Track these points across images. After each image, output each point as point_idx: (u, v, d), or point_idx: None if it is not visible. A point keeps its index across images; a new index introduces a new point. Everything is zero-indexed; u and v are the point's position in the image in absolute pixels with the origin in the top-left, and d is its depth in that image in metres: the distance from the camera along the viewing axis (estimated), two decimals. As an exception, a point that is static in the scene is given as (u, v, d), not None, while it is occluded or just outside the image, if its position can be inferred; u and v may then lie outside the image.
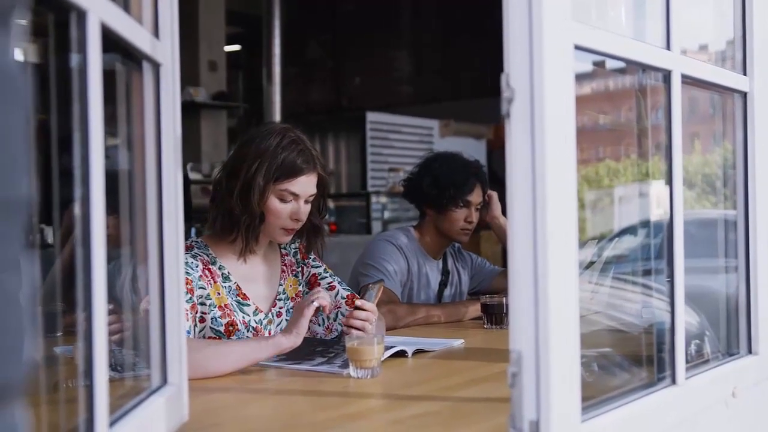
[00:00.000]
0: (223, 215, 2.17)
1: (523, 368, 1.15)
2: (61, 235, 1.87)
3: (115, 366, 1.33)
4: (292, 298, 2.32)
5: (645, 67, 1.52)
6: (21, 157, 0.58)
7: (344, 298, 2.31)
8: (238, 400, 1.71)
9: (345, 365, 1.89)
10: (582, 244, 1.27)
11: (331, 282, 2.36)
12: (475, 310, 2.78)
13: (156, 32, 1.32)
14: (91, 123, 0.98)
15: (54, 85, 1.04)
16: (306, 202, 2.20)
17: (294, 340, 1.92)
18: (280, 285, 2.31)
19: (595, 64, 1.45)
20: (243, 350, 1.92)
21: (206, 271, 2.13)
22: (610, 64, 1.53)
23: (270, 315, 2.25)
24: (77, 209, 0.98)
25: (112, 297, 1.07)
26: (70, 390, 1.34)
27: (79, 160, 0.98)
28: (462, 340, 2.33)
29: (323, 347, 2.09)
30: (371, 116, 7.87)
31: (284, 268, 2.34)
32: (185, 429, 1.38)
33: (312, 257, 2.39)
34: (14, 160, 0.57)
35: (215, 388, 1.77)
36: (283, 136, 2.16)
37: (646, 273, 1.93)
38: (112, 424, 1.05)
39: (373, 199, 7.25)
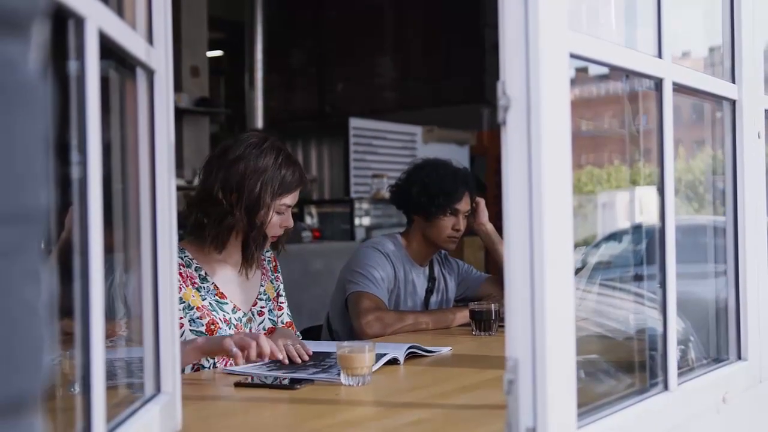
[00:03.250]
0: (226, 231, 2.21)
1: (519, 375, 1.15)
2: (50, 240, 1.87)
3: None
4: (273, 299, 2.41)
5: (637, 75, 1.53)
6: (41, 168, 0.57)
7: (283, 323, 2.39)
8: (230, 409, 1.71)
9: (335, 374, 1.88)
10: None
11: (283, 303, 2.46)
12: (463, 316, 2.78)
13: (150, 39, 1.31)
14: (89, 129, 0.97)
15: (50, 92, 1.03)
16: (292, 210, 2.32)
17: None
18: (261, 285, 2.38)
19: (578, 70, 1.45)
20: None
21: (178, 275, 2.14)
22: (593, 70, 1.53)
23: (250, 314, 2.32)
24: (75, 217, 0.97)
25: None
26: (59, 398, 1.33)
27: (76, 167, 0.98)
28: (450, 348, 2.33)
29: (315, 360, 2.08)
30: (354, 122, 7.86)
31: (264, 270, 2.41)
32: (178, 438, 1.37)
33: (278, 273, 2.48)
34: (35, 171, 0.57)
35: (208, 397, 1.76)
36: (277, 152, 2.25)
37: (633, 279, 1.94)
38: (108, 433, 1.04)
39: (357, 205, 7.23)
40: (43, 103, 0.58)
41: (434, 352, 2.25)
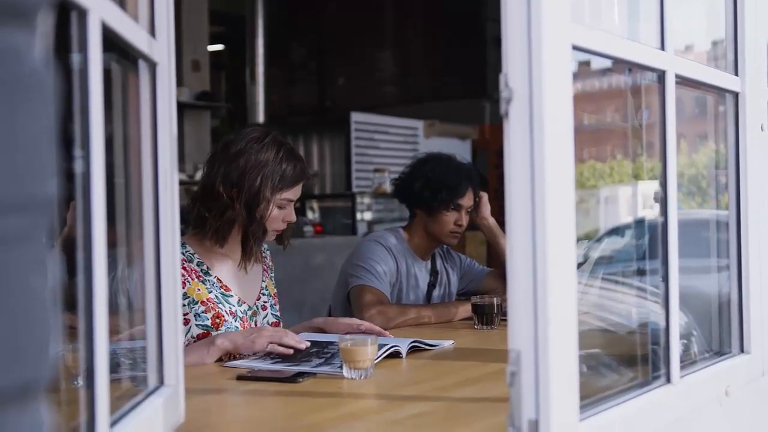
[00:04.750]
0: (226, 225, 2.22)
1: (522, 367, 1.15)
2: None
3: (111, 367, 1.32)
4: (273, 295, 2.43)
5: (640, 67, 1.53)
6: (49, 157, 0.58)
7: (269, 324, 2.38)
8: (233, 402, 1.71)
9: (339, 366, 1.88)
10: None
11: (275, 303, 2.46)
12: (465, 310, 2.78)
13: (152, 31, 1.31)
14: (92, 122, 0.97)
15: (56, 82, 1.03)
16: (295, 204, 2.32)
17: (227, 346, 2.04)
18: (263, 281, 2.40)
19: (581, 63, 1.45)
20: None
21: (182, 270, 2.15)
22: (596, 64, 1.53)
23: (255, 307, 2.34)
24: (78, 211, 0.97)
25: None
26: (62, 391, 1.33)
27: (79, 161, 0.98)
28: (452, 341, 2.33)
29: (317, 348, 2.09)
30: (356, 117, 7.85)
31: (265, 267, 2.43)
32: (181, 430, 1.37)
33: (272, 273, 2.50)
34: (43, 160, 0.57)
35: (211, 390, 1.76)
36: (278, 146, 2.25)
37: (636, 273, 1.94)
38: (112, 425, 1.04)
39: (358, 199, 7.23)
40: (49, 93, 0.59)
41: (436, 345, 2.25)
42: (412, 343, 2.16)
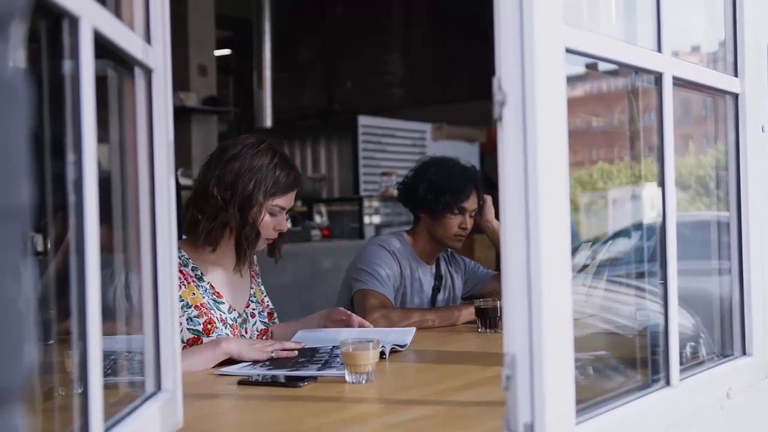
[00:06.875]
0: (219, 227, 2.24)
1: (517, 371, 1.15)
2: (54, 241, 1.88)
3: (107, 371, 1.33)
4: (261, 301, 2.45)
5: (636, 70, 1.53)
6: (22, 164, 0.58)
7: (258, 331, 2.40)
8: (232, 407, 1.71)
9: (343, 367, 1.87)
10: (576, 247, 1.27)
11: (262, 309, 2.46)
12: (468, 313, 2.78)
13: (148, 38, 1.32)
14: (84, 129, 0.98)
15: (45, 91, 1.04)
16: (287, 213, 2.34)
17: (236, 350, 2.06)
18: (251, 288, 2.43)
19: (588, 66, 1.45)
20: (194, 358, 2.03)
21: (178, 273, 2.17)
22: (603, 66, 1.53)
23: (244, 314, 2.36)
24: (71, 217, 0.98)
25: (105, 304, 1.07)
26: (61, 398, 1.34)
27: (72, 167, 0.98)
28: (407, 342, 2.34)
29: (304, 358, 2.09)
30: (363, 120, 7.86)
31: (252, 274, 2.45)
32: (179, 435, 1.38)
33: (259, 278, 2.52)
34: (15, 167, 0.57)
35: (209, 395, 1.76)
36: (273, 153, 2.28)
37: (640, 275, 1.93)
38: (107, 430, 1.04)
39: (366, 203, 7.23)
40: (23, 102, 0.59)
41: (404, 346, 2.27)
42: (393, 345, 2.20)
